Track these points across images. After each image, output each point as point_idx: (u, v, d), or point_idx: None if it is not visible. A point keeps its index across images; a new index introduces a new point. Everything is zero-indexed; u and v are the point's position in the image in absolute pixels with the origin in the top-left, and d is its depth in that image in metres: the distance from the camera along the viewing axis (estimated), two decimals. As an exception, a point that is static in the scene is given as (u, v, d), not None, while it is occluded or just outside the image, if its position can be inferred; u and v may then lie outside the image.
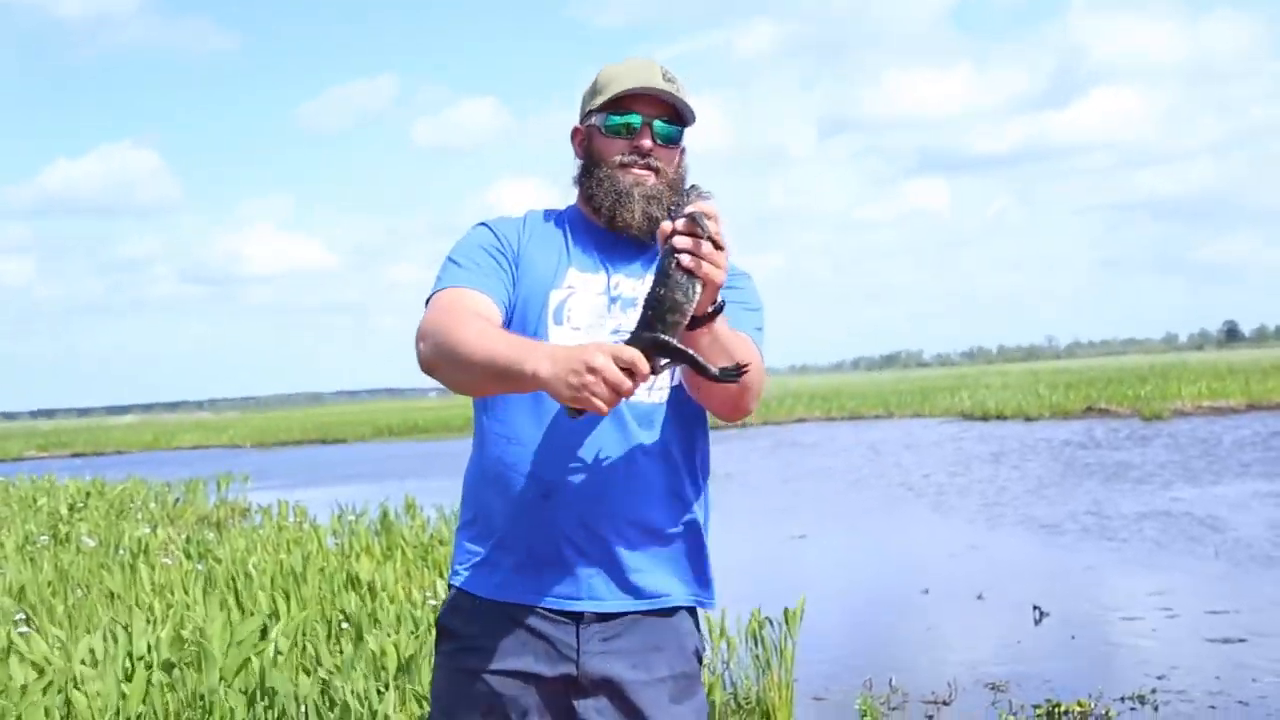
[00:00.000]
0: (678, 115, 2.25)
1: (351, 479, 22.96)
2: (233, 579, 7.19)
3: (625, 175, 2.22)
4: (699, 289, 1.92)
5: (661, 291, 1.92)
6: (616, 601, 2.16)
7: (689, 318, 1.94)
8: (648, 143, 2.23)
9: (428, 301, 2.19)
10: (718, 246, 1.92)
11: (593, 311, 2.21)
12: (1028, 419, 29.30)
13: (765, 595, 7.37)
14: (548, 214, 2.35)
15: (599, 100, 2.25)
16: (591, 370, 1.84)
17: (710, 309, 1.98)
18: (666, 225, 1.94)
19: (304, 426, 50.40)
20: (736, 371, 1.98)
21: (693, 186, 1.99)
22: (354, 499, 13.67)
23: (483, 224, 2.30)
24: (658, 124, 2.23)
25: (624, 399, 1.88)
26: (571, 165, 2.33)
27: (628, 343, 1.91)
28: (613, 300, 2.23)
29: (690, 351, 1.96)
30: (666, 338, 1.92)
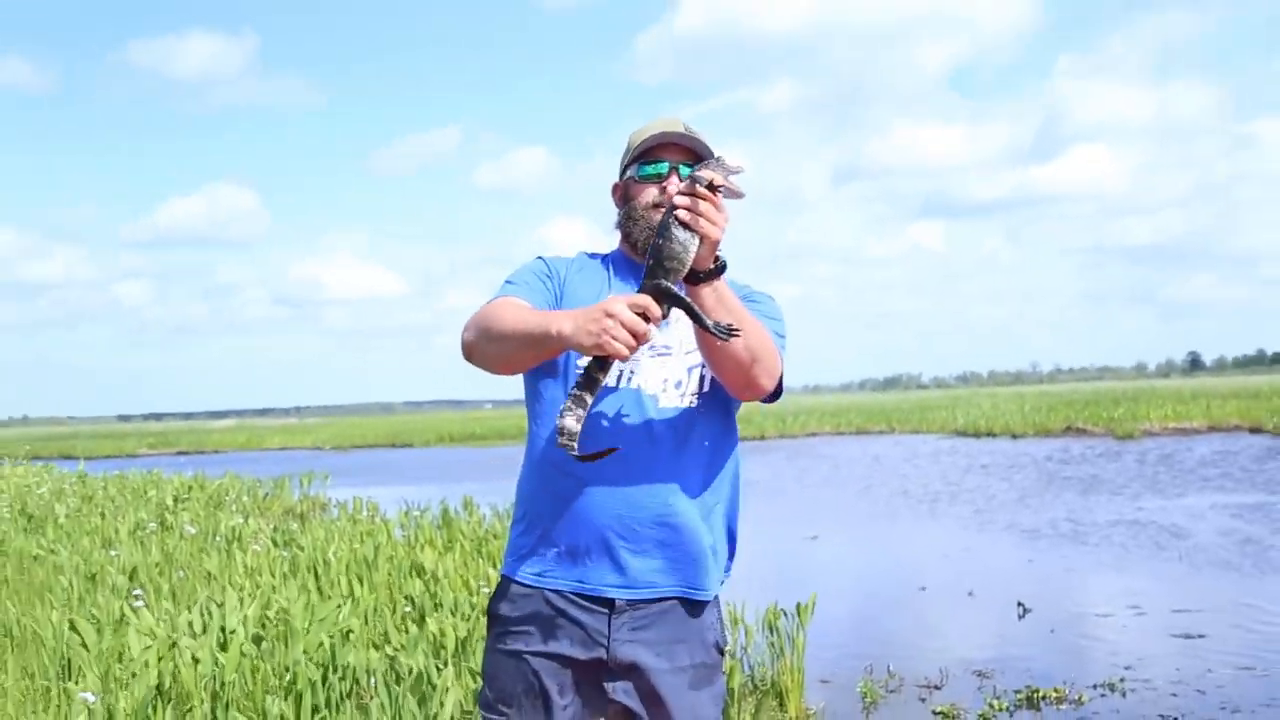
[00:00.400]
0: (699, 159, 2.26)
1: (417, 479, 23.05)
2: (313, 565, 7.23)
3: (656, 214, 2.23)
4: (696, 242, 1.91)
5: (660, 242, 1.92)
6: (646, 590, 2.14)
7: (687, 268, 1.92)
8: (675, 187, 2.24)
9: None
10: (715, 206, 1.91)
11: None
12: (1014, 436, 29.01)
13: (780, 589, 7.35)
14: (595, 255, 2.37)
15: (630, 155, 2.27)
16: (609, 315, 1.86)
17: (711, 266, 1.96)
18: (672, 188, 1.94)
19: (376, 432, 50.62)
20: (728, 330, 1.95)
21: (718, 158, 1.97)
22: (419, 497, 13.72)
23: (538, 257, 2.33)
24: (683, 168, 2.24)
25: (644, 346, 1.88)
26: (613, 215, 2.35)
27: (639, 291, 1.92)
28: (656, 328, 2.23)
29: (688, 299, 1.94)
30: (667, 284, 1.91)
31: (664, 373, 2.18)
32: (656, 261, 1.92)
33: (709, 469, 2.21)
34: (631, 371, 2.17)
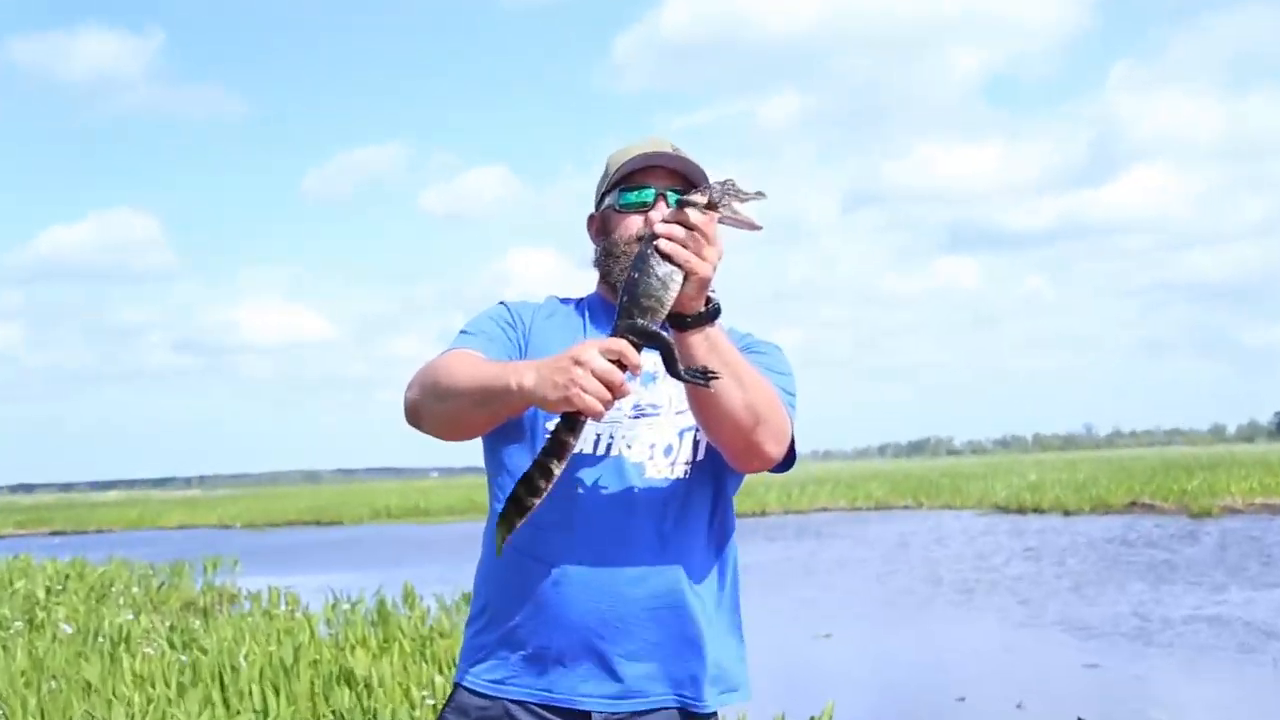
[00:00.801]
0: (691, 185, 2.26)
1: (347, 564, 22.84)
2: (219, 672, 7.11)
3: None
4: (679, 279, 1.90)
5: (636, 276, 1.91)
6: (629, 701, 2.11)
7: (667, 309, 1.91)
8: (663, 214, 2.24)
9: None
10: (705, 236, 1.90)
11: None
12: (1066, 513, 29.07)
13: (788, 699, 7.27)
14: (567, 300, 2.39)
15: (609, 181, 2.28)
16: (578, 363, 1.85)
17: (702, 309, 1.95)
18: (655, 215, 2.00)
19: (298, 507, 50.28)
20: (704, 375, 1.93)
21: (728, 181, 1.97)
22: (349, 586, 13.58)
23: (501, 302, 2.34)
24: (671, 194, 2.24)
25: (618, 401, 1.88)
26: (587, 248, 2.36)
27: (612, 333, 1.92)
28: (630, 378, 2.22)
29: (664, 336, 1.92)
30: (644, 323, 1.89)
31: (651, 436, 2.17)
32: (631, 299, 1.91)
33: (707, 552, 2.19)
34: (612, 436, 2.16)
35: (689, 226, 1.90)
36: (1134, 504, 29.21)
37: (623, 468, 2.14)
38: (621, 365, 1.86)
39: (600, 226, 2.32)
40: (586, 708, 2.10)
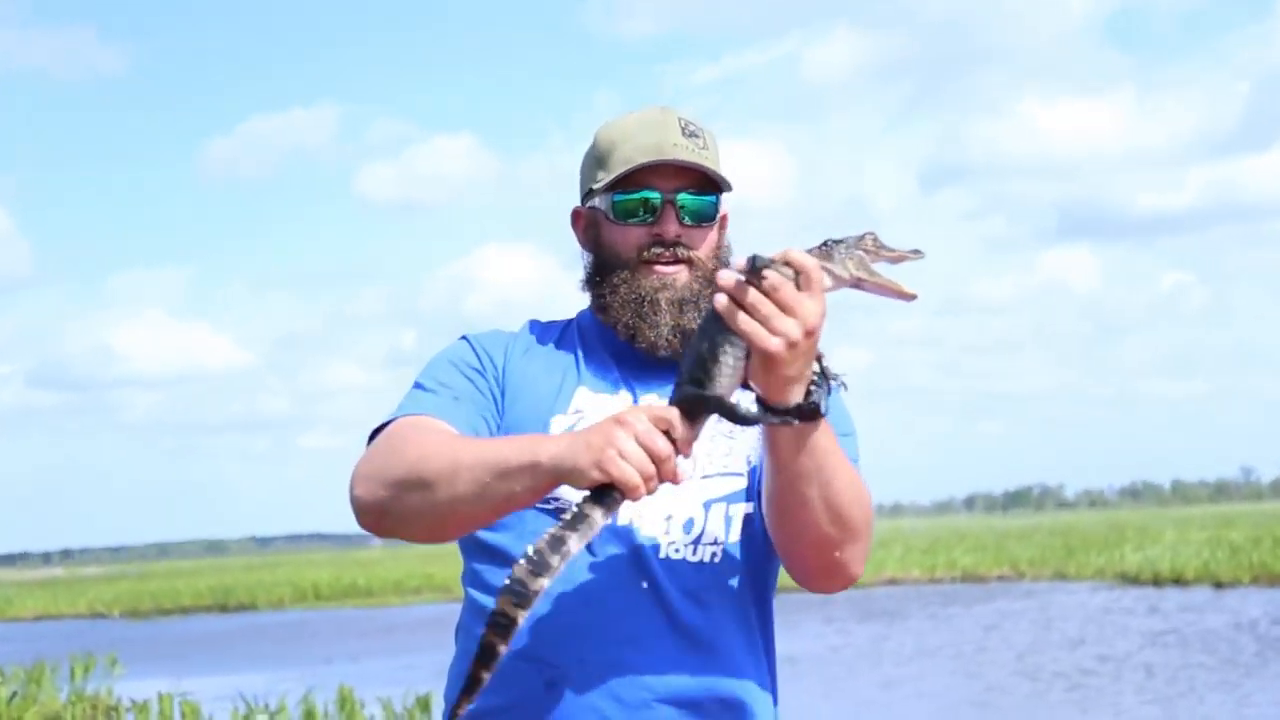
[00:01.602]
0: (709, 182, 2.29)
1: (263, 662, 22.81)
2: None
3: (647, 276, 2.26)
4: (734, 352, 1.93)
5: (696, 343, 1.97)
6: None
7: (719, 383, 1.94)
8: (673, 227, 2.27)
9: (372, 437, 2.23)
10: (782, 306, 1.90)
11: None
12: (1217, 585, 29.01)
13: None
14: (553, 324, 2.42)
15: (601, 177, 2.30)
16: (620, 423, 1.89)
17: (792, 404, 1.96)
18: (723, 275, 1.96)
19: (195, 588, 50.21)
20: (776, 412, 1.96)
21: (866, 234, 1.98)
22: (266, 690, 13.59)
23: (463, 338, 2.36)
24: (684, 198, 2.27)
25: (665, 482, 1.90)
26: (577, 256, 2.39)
27: (671, 401, 1.96)
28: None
29: (723, 398, 1.94)
30: (705, 393, 1.94)
31: (667, 506, 2.20)
32: (685, 364, 1.97)
33: (737, 650, 2.23)
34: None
35: (764, 290, 1.89)
36: (1307, 572, 29.15)
37: (633, 542, 2.18)
38: (669, 436, 1.90)
39: (589, 228, 2.35)
40: None
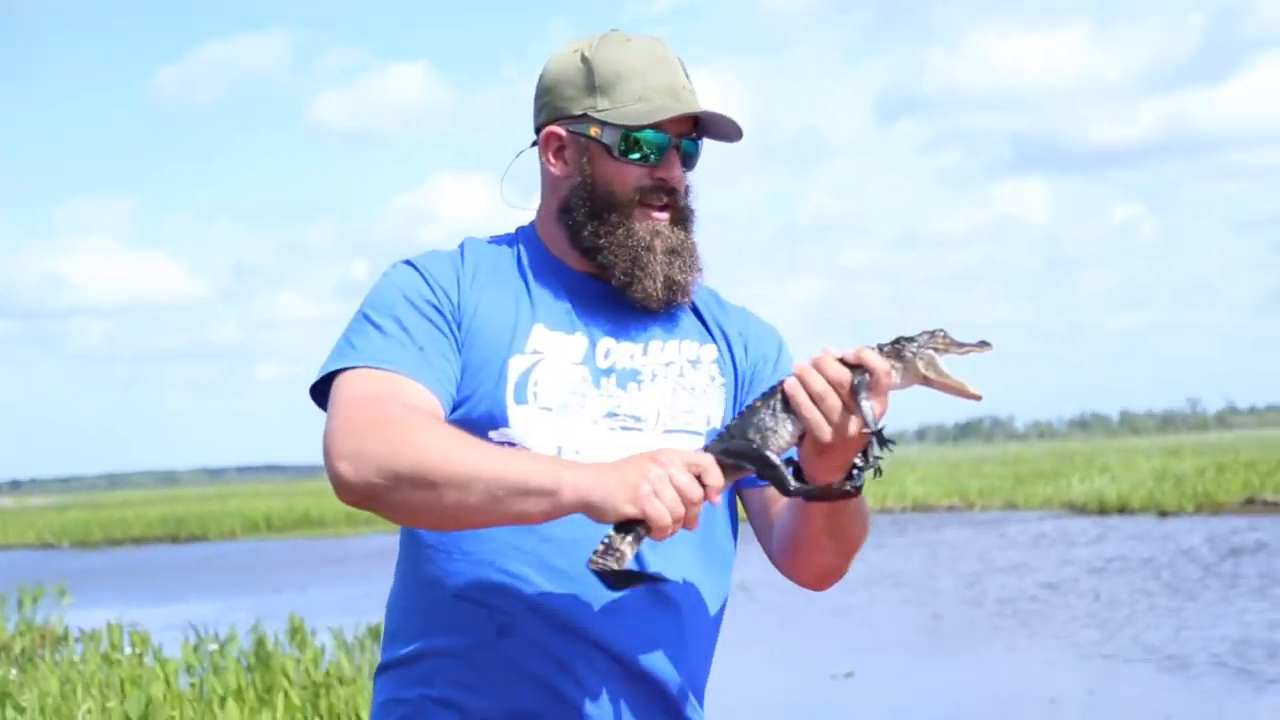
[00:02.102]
0: (697, 125, 2.30)
1: (213, 592, 22.80)
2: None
3: (642, 221, 2.25)
4: (789, 430, 2.01)
5: (758, 404, 2.03)
6: None
7: (769, 451, 2.02)
8: (678, 173, 2.27)
9: (324, 382, 2.17)
10: (845, 405, 1.98)
11: (569, 387, 2.21)
12: (1162, 513, 29.30)
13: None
14: (493, 242, 2.36)
15: (607, 107, 2.25)
16: (656, 463, 1.93)
17: (834, 483, 2.03)
18: (870, 354, 2.01)
19: (147, 519, 50.03)
20: (820, 492, 2.04)
21: (938, 330, 2.03)
22: (216, 620, 13.58)
23: (408, 263, 2.27)
24: (687, 144, 2.27)
25: (683, 528, 1.95)
26: (530, 176, 2.35)
27: (707, 448, 2.02)
28: (602, 373, 2.24)
29: (763, 455, 2.01)
30: (746, 445, 2.01)
31: (630, 455, 2.19)
32: (739, 425, 2.03)
33: (697, 592, 2.25)
34: (578, 452, 2.18)
35: (832, 382, 1.98)
36: (1251, 501, 29.48)
37: None
38: (702, 483, 1.95)
39: (573, 157, 2.28)
40: None
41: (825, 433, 1.98)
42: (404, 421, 2.02)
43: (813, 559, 2.24)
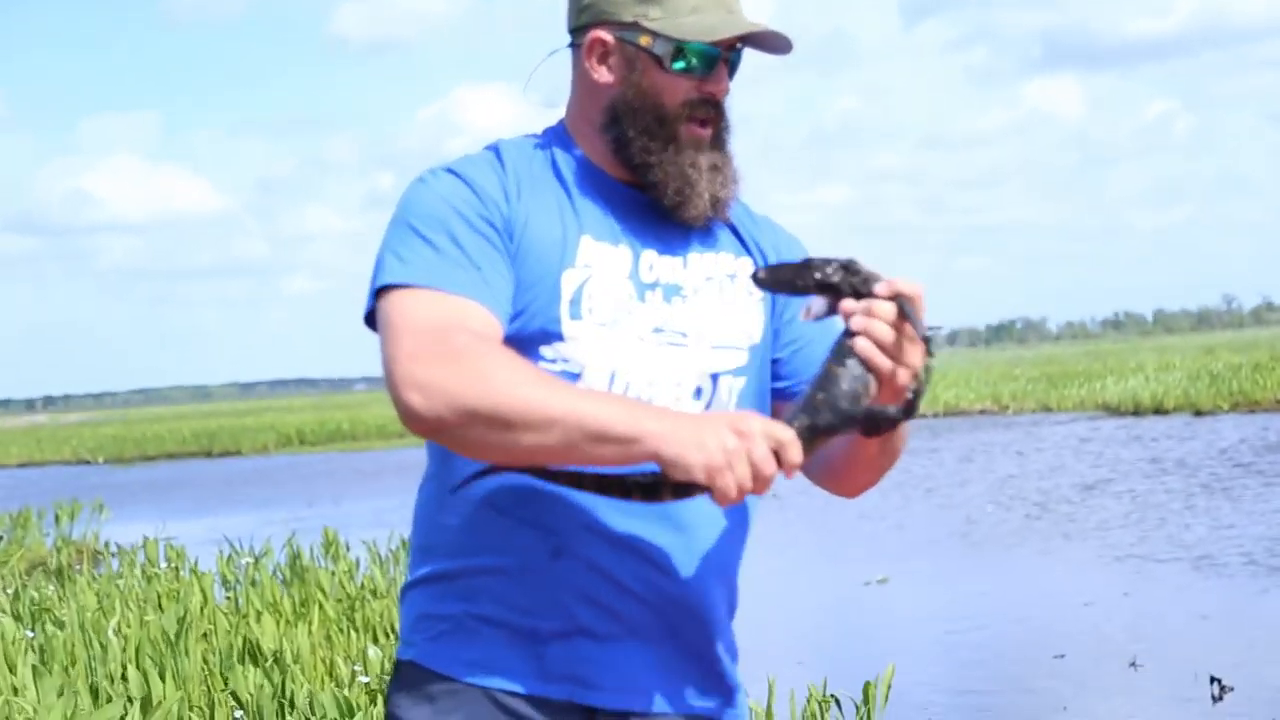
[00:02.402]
0: (766, 47, 2.26)
1: (247, 506, 23.00)
2: (81, 649, 7.18)
3: (687, 137, 2.21)
4: (873, 387, 2.01)
5: (837, 371, 2.01)
6: (641, 698, 2.17)
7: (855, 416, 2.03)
8: (726, 86, 2.23)
9: (375, 296, 2.11)
10: (903, 334, 1.99)
11: (617, 302, 2.17)
12: (1197, 413, 29.28)
13: (834, 663, 7.37)
14: (527, 147, 2.28)
15: (658, 16, 2.19)
16: (739, 433, 1.90)
17: (895, 411, 2.03)
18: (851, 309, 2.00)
19: (180, 434, 50.48)
20: (903, 417, 2.05)
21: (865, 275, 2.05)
22: (251, 534, 13.69)
23: (450, 171, 2.20)
24: (733, 57, 2.23)
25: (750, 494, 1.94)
26: (553, 78, 2.30)
27: (789, 421, 1.99)
28: (646, 287, 2.21)
29: (843, 430, 2.03)
30: (829, 424, 2.00)
31: (674, 373, 2.19)
32: (826, 396, 2.01)
33: (735, 525, 2.25)
34: (632, 368, 2.15)
35: (894, 326, 1.98)
36: (1287, 399, 29.39)
37: None
38: (779, 459, 1.92)
39: (618, 69, 2.22)
40: (593, 703, 2.16)
41: (904, 375, 2.00)
42: (477, 354, 1.98)
43: (860, 478, 2.29)
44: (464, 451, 2.03)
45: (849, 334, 2.00)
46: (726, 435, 1.89)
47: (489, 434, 1.95)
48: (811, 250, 2.35)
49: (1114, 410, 31.98)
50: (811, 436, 1.98)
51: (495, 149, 2.25)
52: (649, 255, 2.22)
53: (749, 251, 2.32)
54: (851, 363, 1.99)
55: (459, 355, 1.97)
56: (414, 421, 1.98)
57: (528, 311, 2.14)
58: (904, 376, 2.00)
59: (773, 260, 2.30)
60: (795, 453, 1.92)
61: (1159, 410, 30.51)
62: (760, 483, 1.90)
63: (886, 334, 1.97)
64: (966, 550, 13.54)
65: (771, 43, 2.23)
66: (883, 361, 1.97)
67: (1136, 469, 19.52)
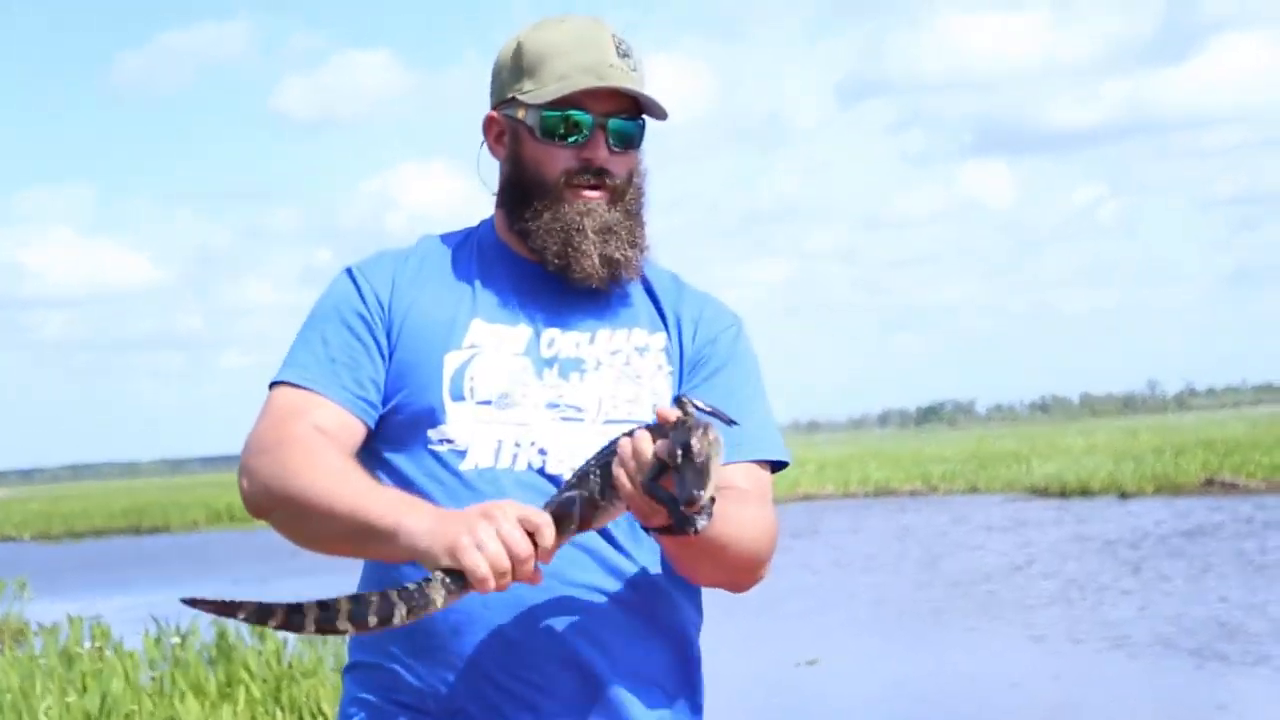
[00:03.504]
0: (637, 105, 2.24)
1: (176, 582, 22.70)
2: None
3: (571, 202, 2.21)
4: (619, 507, 1.99)
5: (588, 466, 2.01)
6: None
7: (609, 517, 2.02)
8: (603, 153, 2.22)
9: (271, 388, 2.23)
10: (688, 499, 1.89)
11: (510, 377, 2.19)
12: (1123, 495, 29.51)
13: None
14: (450, 237, 2.35)
15: (532, 88, 2.22)
16: (485, 515, 1.90)
17: (666, 523, 1.96)
18: (666, 412, 1.94)
19: (108, 510, 49.93)
20: (682, 519, 1.95)
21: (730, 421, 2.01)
22: (177, 613, 13.50)
23: (347, 271, 2.29)
24: (614, 124, 2.22)
25: (520, 581, 1.91)
26: (484, 164, 2.32)
27: (549, 504, 1.98)
28: (545, 363, 2.21)
29: (604, 505, 1.99)
30: (576, 494, 1.98)
31: (568, 448, 2.17)
32: (578, 482, 2.01)
33: (650, 579, 2.22)
34: (518, 444, 2.16)
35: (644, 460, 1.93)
36: (1211, 482, 29.67)
37: (537, 485, 2.14)
38: (534, 539, 1.91)
39: (506, 141, 2.27)
40: None
41: (642, 510, 1.95)
42: (298, 447, 2.10)
43: (701, 577, 2.20)
44: (286, 536, 2.16)
45: (612, 453, 1.98)
46: (473, 519, 1.91)
47: (291, 521, 2.11)
48: (756, 324, 2.35)
49: (1041, 492, 32.19)
50: (567, 512, 1.97)
51: (418, 243, 2.35)
52: (550, 332, 2.23)
53: (665, 325, 2.31)
54: (605, 459, 1.98)
55: (284, 445, 2.11)
56: (244, 502, 2.16)
57: (411, 393, 2.20)
58: (645, 514, 1.96)
59: (686, 333, 2.29)
60: (548, 532, 1.91)
61: (1085, 492, 30.75)
62: (519, 564, 1.89)
63: (632, 469, 1.92)
64: (895, 630, 13.53)
65: (650, 106, 2.23)
66: (630, 490, 1.93)
67: (1064, 550, 19.62)
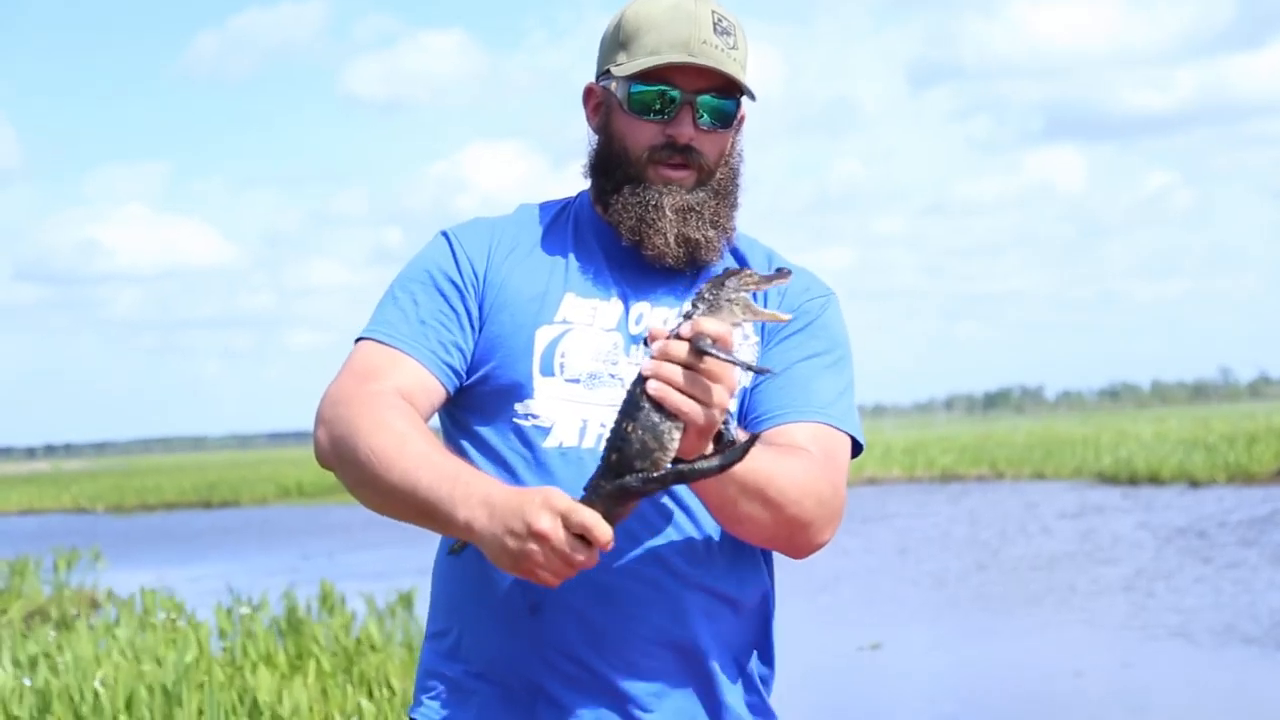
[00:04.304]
0: (734, 83, 2.22)
1: (245, 557, 22.92)
2: (76, 699, 7.16)
3: (654, 179, 2.20)
4: (678, 434, 1.92)
5: (624, 427, 1.93)
6: None
7: (667, 462, 1.94)
8: (688, 131, 2.20)
9: (356, 343, 2.23)
10: (709, 376, 1.89)
11: (598, 355, 2.19)
12: (1193, 484, 29.18)
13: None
14: (546, 207, 2.34)
15: (624, 61, 2.21)
16: (535, 536, 1.87)
17: (705, 465, 1.95)
18: (657, 327, 1.94)
19: (180, 484, 50.35)
20: (699, 472, 1.95)
21: (731, 274, 1.96)
22: (249, 585, 13.65)
23: (444, 234, 2.29)
24: (705, 100, 2.20)
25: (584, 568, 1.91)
26: (586, 139, 2.31)
27: (584, 499, 1.93)
28: (633, 340, 2.21)
29: (650, 489, 1.94)
30: (630, 483, 1.93)
31: None
32: (620, 458, 1.94)
33: (737, 557, 2.22)
34: (605, 425, 2.09)
35: (684, 364, 1.89)
36: (1285, 471, 29.32)
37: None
38: (586, 541, 1.89)
39: (600, 112, 2.27)
40: None
41: (712, 416, 1.91)
42: (369, 406, 2.09)
43: (747, 529, 2.14)
44: (351, 492, 2.15)
45: (641, 381, 1.93)
46: (524, 536, 1.88)
47: (357, 486, 2.10)
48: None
49: (1109, 479, 31.90)
50: (615, 505, 1.94)
51: (517, 210, 2.34)
52: (640, 306, 2.23)
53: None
54: (643, 414, 1.91)
55: (352, 402, 2.10)
56: (318, 454, 2.17)
57: (500, 365, 2.19)
58: (709, 416, 1.91)
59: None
60: (600, 531, 1.88)
61: (1154, 480, 30.44)
62: (575, 565, 1.90)
63: (675, 374, 1.88)
64: (959, 616, 13.47)
65: (729, 71, 2.20)
66: (677, 401, 1.88)
67: (1132, 538, 19.47)
